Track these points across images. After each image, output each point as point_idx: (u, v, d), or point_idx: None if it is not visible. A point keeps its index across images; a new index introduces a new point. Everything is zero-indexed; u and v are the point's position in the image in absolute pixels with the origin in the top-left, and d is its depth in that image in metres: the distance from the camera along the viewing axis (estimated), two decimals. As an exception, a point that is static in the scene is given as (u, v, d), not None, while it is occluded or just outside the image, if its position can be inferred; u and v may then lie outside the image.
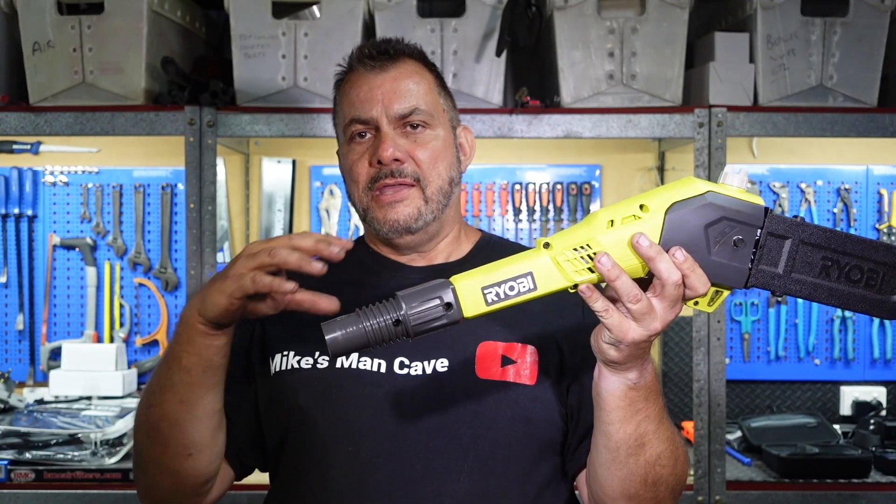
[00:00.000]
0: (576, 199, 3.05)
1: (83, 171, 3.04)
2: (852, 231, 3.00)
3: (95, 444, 2.51)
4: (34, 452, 2.49)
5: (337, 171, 3.00)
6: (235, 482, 1.51)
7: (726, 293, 1.12)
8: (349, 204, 3.03)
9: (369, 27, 2.60)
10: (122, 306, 3.03)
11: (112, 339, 3.00)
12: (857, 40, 2.55)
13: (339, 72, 1.55)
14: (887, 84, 2.64)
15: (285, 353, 1.44)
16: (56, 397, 2.85)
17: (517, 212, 3.07)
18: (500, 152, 3.07)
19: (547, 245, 1.10)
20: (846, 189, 3.02)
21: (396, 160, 1.43)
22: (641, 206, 1.09)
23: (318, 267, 1.18)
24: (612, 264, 1.07)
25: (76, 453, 2.49)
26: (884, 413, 2.90)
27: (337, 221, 3.05)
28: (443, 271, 1.37)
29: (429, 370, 1.39)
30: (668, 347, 2.99)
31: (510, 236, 3.04)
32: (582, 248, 1.09)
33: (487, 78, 2.56)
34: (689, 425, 2.68)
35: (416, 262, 1.53)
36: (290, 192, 3.07)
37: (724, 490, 2.49)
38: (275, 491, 1.49)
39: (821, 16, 2.55)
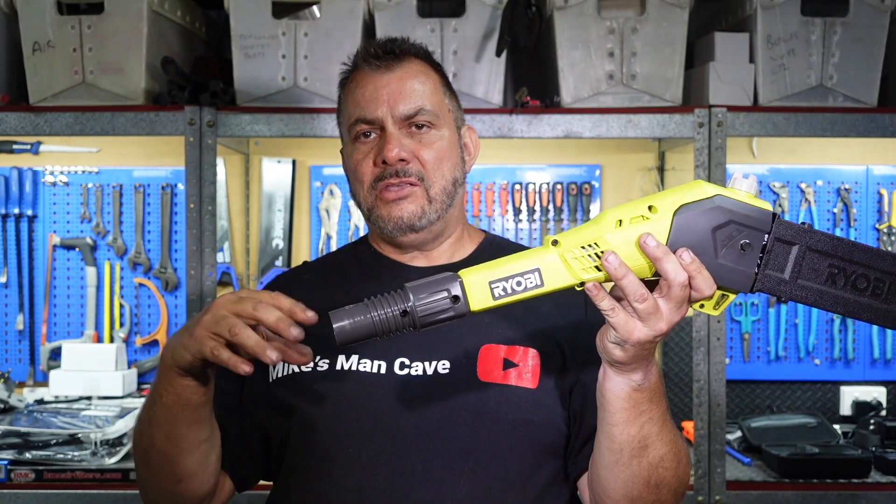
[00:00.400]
0: (576, 199, 3.05)
1: (83, 171, 3.03)
2: (852, 231, 3.00)
3: (95, 444, 2.51)
4: (34, 452, 2.49)
5: (337, 171, 3.03)
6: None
7: (732, 297, 1.12)
8: (350, 203, 3.03)
9: (369, 27, 2.60)
10: (122, 306, 3.03)
11: (112, 339, 3.00)
12: (857, 40, 2.55)
13: (343, 70, 1.55)
14: (887, 84, 2.64)
15: None
16: (56, 397, 2.85)
17: (517, 212, 3.07)
18: (500, 152, 3.07)
19: (555, 242, 1.11)
20: (846, 189, 3.02)
21: (401, 160, 1.43)
22: (650, 207, 1.10)
23: (294, 333, 1.16)
24: (620, 263, 1.08)
25: (76, 453, 2.48)
26: (884, 413, 2.91)
27: (337, 221, 3.05)
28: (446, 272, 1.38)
29: (430, 371, 1.39)
30: (668, 347, 2.99)
31: (510, 236, 3.04)
32: (590, 246, 1.10)
33: (487, 78, 2.56)
34: (689, 425, 2.68)
35: (418, 262, 1.53)
36: (290, 192, 3.06)
37: (724, 490, 2.49)
38: (276, 491, 1.49)
39: (821, 16, 2.55)
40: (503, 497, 1.36)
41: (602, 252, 1.09)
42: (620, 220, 1.10)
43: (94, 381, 2.84)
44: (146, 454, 1.38)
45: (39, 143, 3.01)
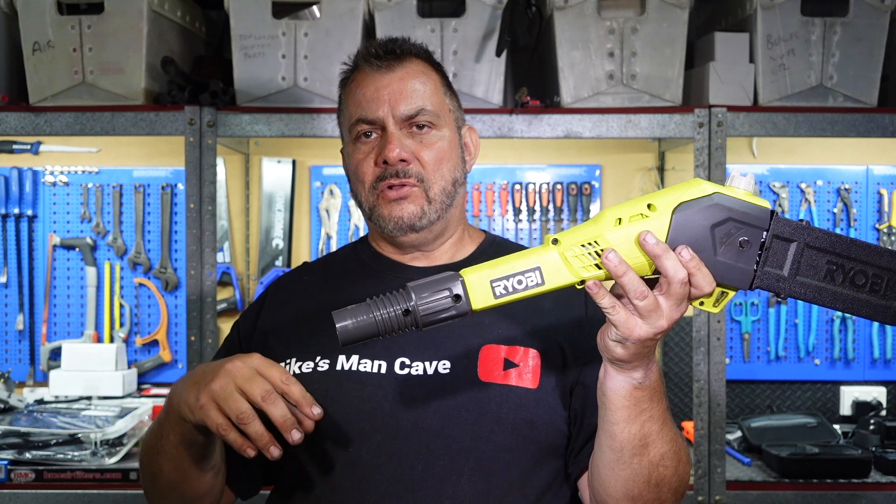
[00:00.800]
0: (576, 199, 3.05)
1: (83, 171, 3.03)
2: (852, 231, 3.00)
3: (95, 444, 2.51)
4: (34, 452, 2.49)
5: (337, 171, 3.04)
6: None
7: (732, 294, 1.13)
8: (350, 203, 3.03)
9: (369, 27, 2.60)
10: (122, 306, 3.03)
11: (112, 339, 3.00)
12: (857, 40, 2.56)
13: (344, 70, 1.55)
14: (887, 84, 2.64)
15: (287, 361, 1.46)
16: (56, 397, 2.85)
17: (517, 212, 3.07)
18: (500, 152, 3.07)
19: (555, 241, 1.12)
20: (846, 189, 3.02)
21: (402, 160, 1.44)
22: (649, 206, 1.10)
23: (296, 438, 1.20)
24: (619, 261, 1.08)
25: (76, 453, 2.48)
26: (884, 413, 2.90)
27: (337, 221, 3.05)
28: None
29: (430, 371, 1.39)
30: (668, 347, 2.99)
31: (510, 236, 3.05)
32: (590, 244, 1.11)
33: (487, 78, 2.56)
34: (689, 425, 2.68)
35: (419, 263, 1.53)
36: (290, 192, 3.07)
37: (724, 490, 2.49)
38: (276, 492, 1.49)
39: (821, 16, 2.55)
40: (503, 497, 1.36)
41: (602, 250, 1.10)
42: (620, 219, 1.11)
43: (94, 381, 2.84)
44: (154, 479, 1.41)
45: (39, 143, 3.01)
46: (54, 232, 3.03)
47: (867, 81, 2.57)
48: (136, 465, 2.47)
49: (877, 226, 3.03)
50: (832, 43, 2.55)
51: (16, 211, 3.01)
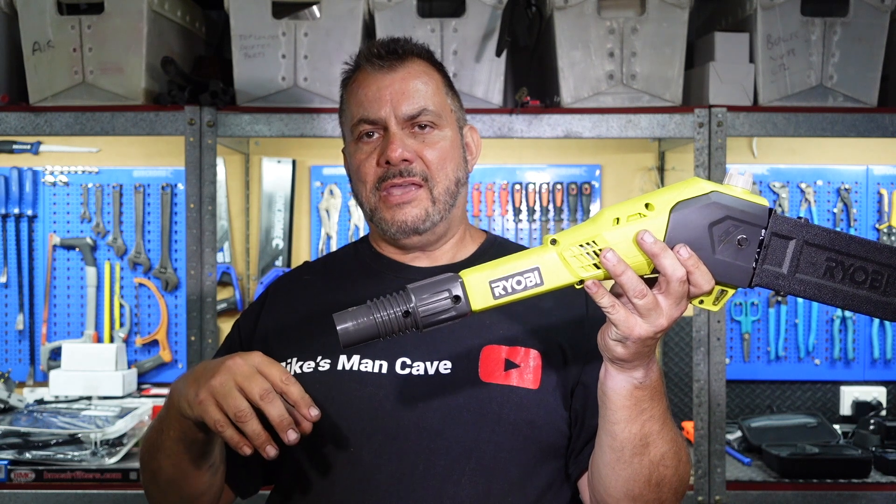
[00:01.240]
0: (576, 199, 3.05)
1: (83, 171, 3.03)
2: (853, 231, 3.00)
3: (95, 444, 2.51)
4: (34, 452, 2.49)
5: (337, 171, 3.04)
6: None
7: (731, 292, 1.13)
8: (350, 203, 3.03)
9: (369, 27, 2.60)
10: (122, 306, 3.03)
11: (112, 339, 3.00)
12: (857, 40, 2.56)
13: (345, 70, 1.55)
14: (887, 84, 2.64)
15: (288, 361, 1.46)
16: (56, 397, 2.85)
17: (517, 212, 3.07)
18: (500, 152, 3.07)
19: (554, 241, 1.12)
20: (846, 189, 3.02)
21: (405, 160, 1.44)
22: (647, 205, 1.10)
23: (293, 437, 1.20)
24: (618, 260, 1.08)
25: (76, 453, 2.48)
26: (884, 413, 2.90)
27: (337, 221, 3.05)
28: (447, 272, 1.38)
29: (431, 371, 1.39)
30: (668, 347, 2.99)
31: (510, 236, 3.05)
32: (588, 244, 1.11)
33: (487, 78, 2.56)
34: (689, 425, 2.68)
35: (420, 263, 1.53)
36: (290, 192, 3.07)
37: (724, 490, 2.49)
38: (277, 492, 1.49)
39: (821, 16, 2.55)
40: (504, 497, 1.36)
41: (600, 250, 1.10)
42: (618, 218, 1.11)
43: (94, 381, 2.84)
44: (154, 476, 1.41)
45: (39, 143, 3.01)
46: (54, 232, 3.03)
47: (867, 81, 2.57)
48: (136, 465, 2.47)
49: (877, 226, 3.03)
50: (832, 43, 2.55)
51: (16, 211, 3.01)
